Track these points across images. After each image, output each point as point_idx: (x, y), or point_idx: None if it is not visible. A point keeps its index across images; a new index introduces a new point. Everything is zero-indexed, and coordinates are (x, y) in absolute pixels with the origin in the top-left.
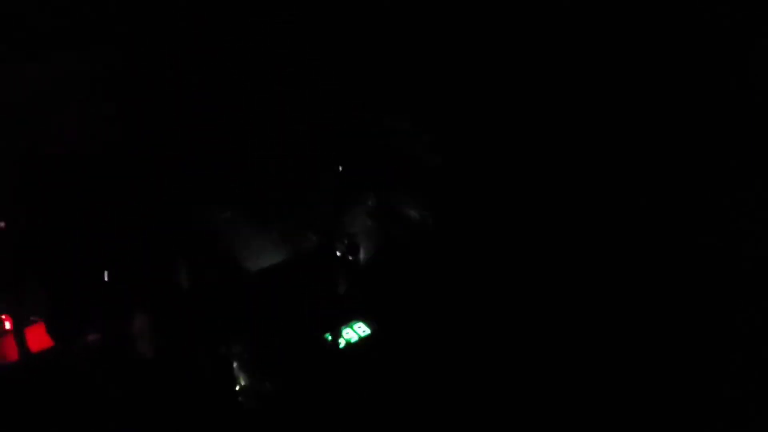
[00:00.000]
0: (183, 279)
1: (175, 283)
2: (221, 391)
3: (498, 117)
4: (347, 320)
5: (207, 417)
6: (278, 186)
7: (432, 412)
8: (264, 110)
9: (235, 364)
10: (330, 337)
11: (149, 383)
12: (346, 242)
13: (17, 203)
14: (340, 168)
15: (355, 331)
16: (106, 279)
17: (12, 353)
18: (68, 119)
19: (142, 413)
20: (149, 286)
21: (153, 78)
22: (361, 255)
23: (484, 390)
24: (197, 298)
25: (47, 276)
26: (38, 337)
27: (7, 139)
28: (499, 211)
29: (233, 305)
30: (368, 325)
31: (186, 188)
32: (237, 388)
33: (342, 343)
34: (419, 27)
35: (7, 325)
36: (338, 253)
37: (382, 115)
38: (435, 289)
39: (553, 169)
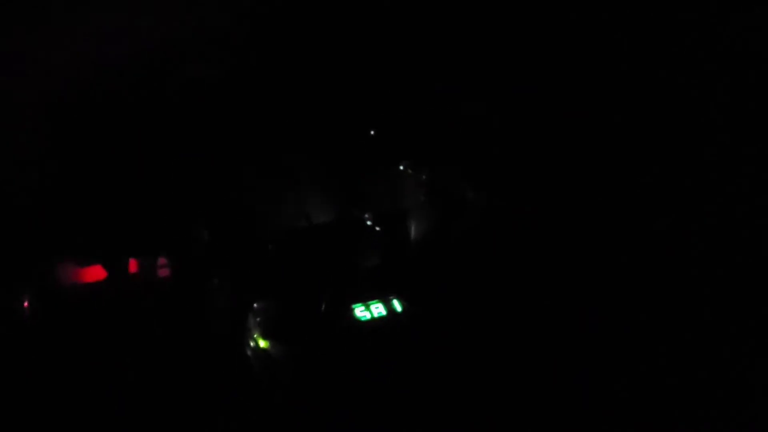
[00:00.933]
0: (203, 231)
1: (198, 233)
2: (234, 345)
3: (575, 112)
4: (369, 297)
5: (215, 371)
6: (323, 148)
7: (433, 407)
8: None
9: (251, 320)
10: (360, 309)
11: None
12: (384, 215)
13: None
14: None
15: (387, 306)
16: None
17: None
18: None
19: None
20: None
21: None
22: (403, 231)
23: (498, 394)
24: (221, 251)
25: None
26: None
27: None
28: (559, 212)
29: (257, 259)
30: (401, 303)
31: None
32: (251, 344)
33: (367, 316)
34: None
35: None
36: (373, 225)
37: (459, 100)
38: (473, 280)
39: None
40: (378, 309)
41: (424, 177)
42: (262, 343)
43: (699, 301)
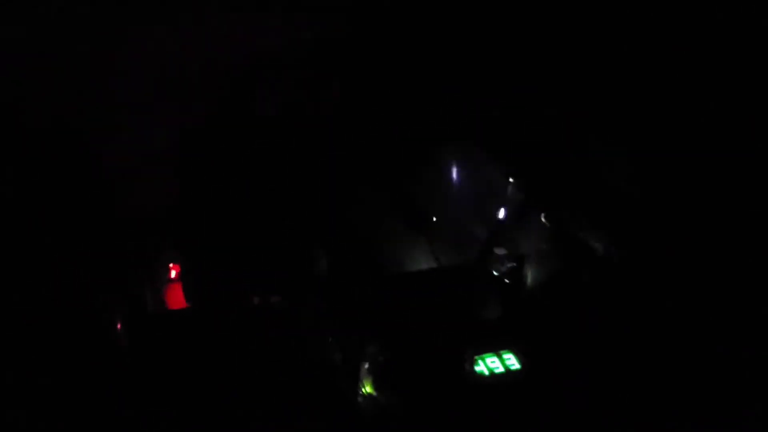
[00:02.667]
0: (322, 269)
1: (314, 273)
2: (344, 390)
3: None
4: (496, 347)
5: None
6: (445, 188)
7: None
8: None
9: (365, 366)
10: (471, 363)
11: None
12: (509, 262)
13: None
14: (511, 180)
15: (503, 362)
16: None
17: (176, 301)
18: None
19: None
20: (288, 268)
21: None
22: (527, 280)
23: None
24: (334, 291)
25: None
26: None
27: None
28: (699, 264)
29: (373, 303)
30: (519, 359)
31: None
32: (360, 392)
33: (485, 371)
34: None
35: (173, 274)
36: (497, 272)
37: (587, 135)
38: (605, 335)
39: None
40: (495, 363)
41: (547, 224)
42: (371, 391)
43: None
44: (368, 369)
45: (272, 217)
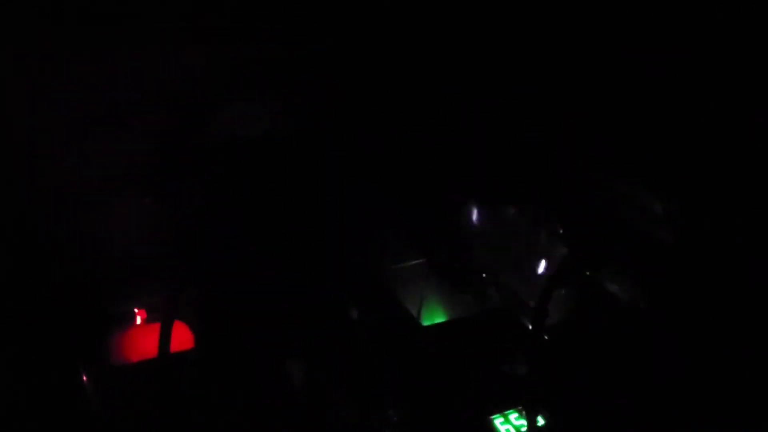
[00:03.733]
0: (350, 322)
1: (341, 325)
2: None
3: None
4: (508, 406)
5: None
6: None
7: None
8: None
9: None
10: (501, 422)
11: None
12: (532, 313)
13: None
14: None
15: (511, 423)
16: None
17: (136, 351)
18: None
19: None
20: (313, 322)
21: None
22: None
23: None
24: (360, 346)
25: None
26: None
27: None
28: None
29: (388, 358)
30: (544, 416)
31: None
32: None
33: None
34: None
35: (138, 320)
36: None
37: (613, 176)
38: (632, 395)
39: None
40: (519, 422)
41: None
42: None
43: None
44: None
45: (288, 254)
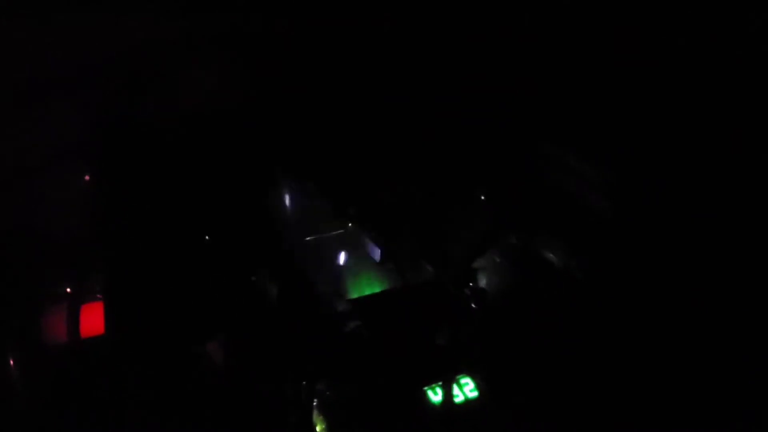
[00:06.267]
0: (268, 298)
1: (258, 301)
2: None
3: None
4: (454, 374)
5: None
6: (399, 206)
7: None
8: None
9: (315, 403)
10: (432, 392)
11: (212, 403)
12: (470, 282)
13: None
14: (482, 197)
15: (462, 390)
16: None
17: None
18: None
19: None
20: (231, 296)
21: None
22: (486, 300)
23: None
24: (281, 320)
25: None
26: (93, 320)
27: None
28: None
29: (321, 333)
30: (477, 385)
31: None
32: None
33: (441, 399)
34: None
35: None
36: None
37: (540, 142)
38: (569, 355)
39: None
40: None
41: (509, 241)
42: (321, 429)
43: None
44: (319, 407)
45: (201, 233)
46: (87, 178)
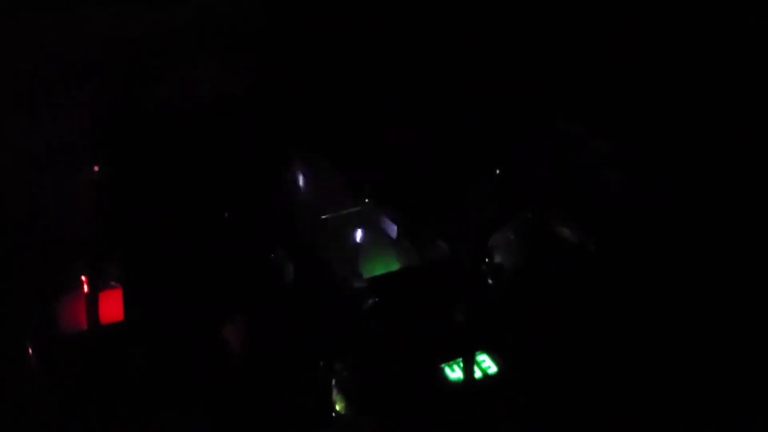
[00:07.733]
0: (285, 278)
1: (275, 281)
2: (315, 414)
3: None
4: (473, 351)
5: None
6: (416, 185)
7: None
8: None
9: (333, 383)
10: (450, 369)
11: (229, 389)
12: (486, 259)
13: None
14: (497, 171)
15: (480, 366)
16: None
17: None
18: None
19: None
20: (247, 281)
21: None
22: (503, 276)
23: None
24: (298, 300)
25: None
26: (112, 307)
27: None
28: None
29: (338, 313)
30: (495, 361)
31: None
32: (332, 414)
33: (460, 376)
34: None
35: (86, 288)
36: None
37: (556, 118)
38: (585, 330)
39: None
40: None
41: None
42: (340, 408)
43: None
44: (337, 388)
45: (218, 219)
46: (96, 168)
